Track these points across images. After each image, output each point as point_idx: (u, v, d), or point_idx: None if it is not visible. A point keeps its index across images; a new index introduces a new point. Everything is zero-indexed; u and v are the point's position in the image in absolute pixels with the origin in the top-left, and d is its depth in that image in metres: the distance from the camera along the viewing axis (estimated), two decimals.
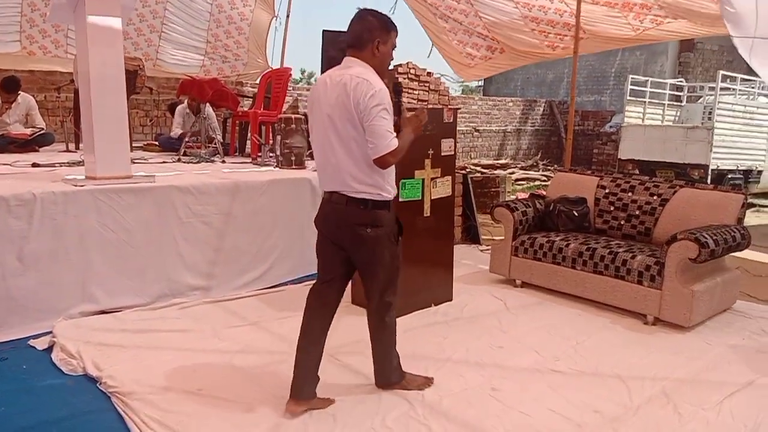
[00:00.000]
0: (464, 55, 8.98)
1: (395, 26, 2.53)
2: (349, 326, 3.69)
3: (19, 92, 6.25)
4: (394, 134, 2.43)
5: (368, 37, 2.46)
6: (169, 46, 9.30)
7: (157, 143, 6.94)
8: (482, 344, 3.33)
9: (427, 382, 2.89)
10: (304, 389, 2.62)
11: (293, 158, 5.25)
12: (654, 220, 4.39)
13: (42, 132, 6.28)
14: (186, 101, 6.85)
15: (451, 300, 4.20)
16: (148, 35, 9.08)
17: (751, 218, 8.29)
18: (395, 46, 2.55)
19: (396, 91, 2.53)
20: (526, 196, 5.16)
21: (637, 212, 4.49)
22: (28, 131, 6.16)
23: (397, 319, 3.73)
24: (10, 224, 3.39)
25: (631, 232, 4.49)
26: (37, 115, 6.45)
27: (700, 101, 11.63)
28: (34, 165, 4.78)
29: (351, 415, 2.60)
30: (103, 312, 3.72)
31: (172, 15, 9.08)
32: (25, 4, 7.70)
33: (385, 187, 2.53)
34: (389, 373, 2.83)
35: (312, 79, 27.20)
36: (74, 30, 4.70)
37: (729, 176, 9.69)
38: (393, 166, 2.55)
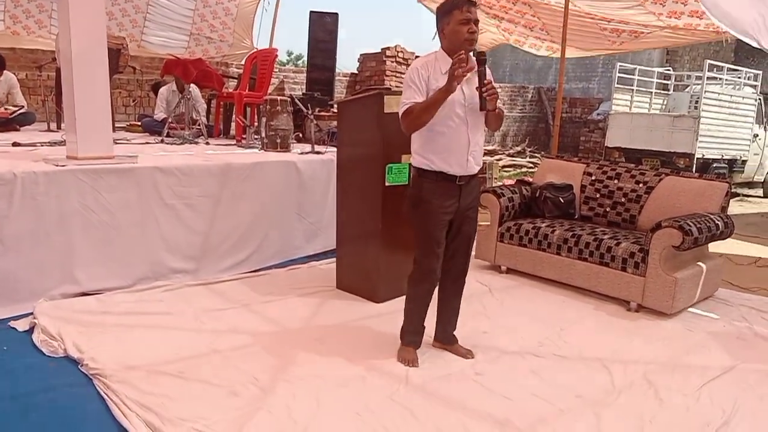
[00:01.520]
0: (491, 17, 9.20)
1: (457, 4, 2.69)
2: (334, 310, 3.69)
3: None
4: (405, 102, 2.72)
5: (436, 28, 2.83)
6: (155, 27, 9.16)
7: (140, 124, 6.82)
8: (466, 329, 3.33)
9: (413, 361, 2.96)
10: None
11: (278, 141, 5.21)
12: (639, 208, 4.41)
13: (23, 111, 6.16)
14: (173, 81, 6.71)
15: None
16: (133, 15, 8.94)
17: (735, 208, 8.38)
18: (465, 20, 2.67)
19: (479, 60, 2.65)
20: (513, 183, 5.16)
21: (623, 199, 4.51)
22: (9, 110, 6.05)
23: (383, 304, 3.76)
24: None
25: (617, 219, 4.52)
26: (18, 93, 6.33)
27: (687, 90, 11.65)
28: (15, 144, 4.69)
29: (334, 398, 2.60)
30: (84, 294, 3.68)
31: None
32: None
33: (414, 155, 2.86)
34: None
35: (299, 62, 26.88)
36: (56, 6, 4.59)
37: (714, 165, 9.75)
38: (445, 141, 2.75)
